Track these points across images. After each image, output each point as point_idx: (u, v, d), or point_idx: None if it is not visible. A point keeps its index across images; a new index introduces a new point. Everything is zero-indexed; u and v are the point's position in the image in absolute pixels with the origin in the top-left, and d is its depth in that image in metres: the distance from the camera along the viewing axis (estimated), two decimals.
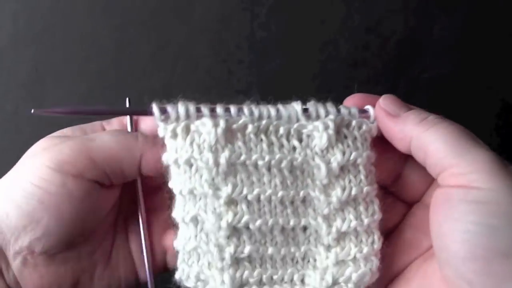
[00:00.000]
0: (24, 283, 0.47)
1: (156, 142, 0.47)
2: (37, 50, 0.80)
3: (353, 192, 0.46)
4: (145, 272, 0.52)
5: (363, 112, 0.47)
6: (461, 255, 0.40)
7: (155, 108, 0.45)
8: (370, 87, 0.84)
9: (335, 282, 0.47)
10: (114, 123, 0.53)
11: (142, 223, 0.51)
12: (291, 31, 0.80)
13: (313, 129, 0.46)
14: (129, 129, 0.51)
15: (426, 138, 0.43)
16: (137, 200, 0.52)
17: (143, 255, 0.52)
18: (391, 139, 0.46)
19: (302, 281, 0.48)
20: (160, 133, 0.46)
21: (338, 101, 0.49)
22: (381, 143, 0.47)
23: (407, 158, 0.48)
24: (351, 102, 0.49)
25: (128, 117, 0.51)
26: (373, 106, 0.48)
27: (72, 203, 0.46)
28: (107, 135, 0.48)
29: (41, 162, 0.46)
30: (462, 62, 0.82)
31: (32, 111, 0.45)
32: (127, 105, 0.51)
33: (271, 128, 0.45)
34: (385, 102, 0.46)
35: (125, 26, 0.80)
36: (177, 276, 0.48)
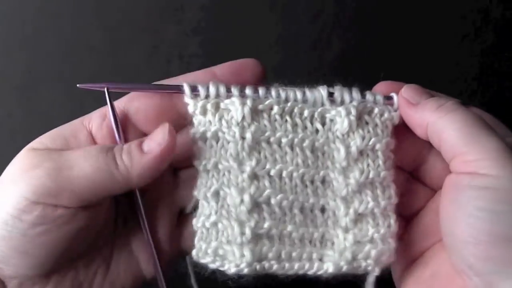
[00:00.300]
0: None
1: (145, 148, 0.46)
2: (29, 53, 0.80)
3: (371, 175, 0.48)
4: (151, 268, 0.51)
5: (388, 98, 0.49)
6: (464, 239, 0.41)
7: (185, 86, 0.47)
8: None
9: (354, 257, 0.48)
10: (95, 119, 0.49)
11: (144, 227, 0.50)
12: (285, 29, 0.80)
13: (336, 114, 0.48)
14: (116, 137, 0.48)
15: (440, 124, 0.44)
16: (135, 206, 0.50)
17: (153, 257, 0.50)
18: (411, 126, 0.47)
19: (321, 260, 0.49)
20: (190, 109, 0.48)
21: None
22: (407, 129, 0.48)
23: (432, 145, 0.48)
24: (379, 89, 0.50)
25: (113, 123, 0.48)
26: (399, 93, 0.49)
27: (57, 230, 0.44)
28: (85, 162, 0.45)
29: (20, 194, 0.44)
30: None
31: (78, 85, 0.45)
32: (107, 98, 0.48)
33: (296, 110, 0.48)
34: (406, 91, 0.48)
35: (117, 27, 0.80)
36: (193, 253, 0.48)
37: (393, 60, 0.79)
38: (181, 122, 0.49)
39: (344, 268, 0.48)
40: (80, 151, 0.46)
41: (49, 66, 0.78)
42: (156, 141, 0.46)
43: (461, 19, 0.81)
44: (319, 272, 0.48)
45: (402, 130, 0.49)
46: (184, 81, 0.48)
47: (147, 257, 0.51)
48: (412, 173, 0.52)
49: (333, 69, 0.79)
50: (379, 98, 0.48)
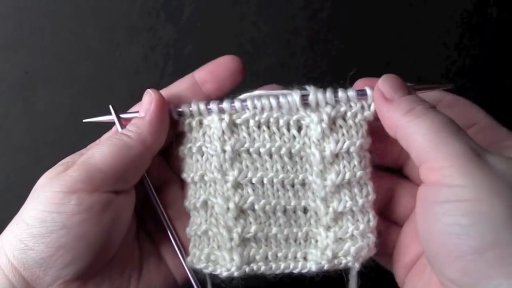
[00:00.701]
0: None
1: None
2: (27, 53, 0.80)
3: (347, 176, 0.49)
4: (181, 271, 0.53)
5: (362, 93, 0.49)
6: (440, 257, 0.41)
7: (171, 107, 0.52)
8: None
9: (334, 256, 0.50)
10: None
11: (166, 222, 0.53)
12: (281, 29, 0.80)
13: (310, 121, 0.50)
14: (119, 129, 0.52)
15: (408, 130, 0.44)
16: (151, 199, 0.53)
17: (178, 255, 0.53)
18: (382, 123, 0.47)
19: (305, 258, 0.51)
20: (180, 128, 0.52)
21: None
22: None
23: None
24: (359, 87, 0.50)
25: (115, 119, 0.52)
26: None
27: (93, 218, 0.46)
28: (102, 146, 0.49)
29: (52, 190, 0.46)
30: None
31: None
32: (112, 112, 0.53)
33: (271, 120, 0.51)
34: (383, 83, 0.47)
35: (114, 28, 0.80)
36: (188, 259, 0.52)
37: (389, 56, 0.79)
38: None
39: (326, 266, 0.50)
40: (95, 145, 0.50)
41: (47, 66, 0.79)
42: (146, 102, 0.50)
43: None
44: (303, 271, 0.51)
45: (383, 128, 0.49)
46: (168, 93, 0.52)
47: (176, 262, 0.53)
48: (401, 172, 0.52)
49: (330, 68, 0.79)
50: (352, 94, 0.49)
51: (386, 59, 0.80)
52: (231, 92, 0.54)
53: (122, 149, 0.48)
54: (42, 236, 0.45)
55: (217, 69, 0.52)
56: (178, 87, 0.53)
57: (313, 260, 0.50)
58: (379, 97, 0.47)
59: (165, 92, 0.52)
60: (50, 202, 0.45)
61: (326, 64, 0.80)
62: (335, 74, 0.82)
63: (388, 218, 0.53)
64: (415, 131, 0.43)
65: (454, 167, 0.40)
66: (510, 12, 0.80)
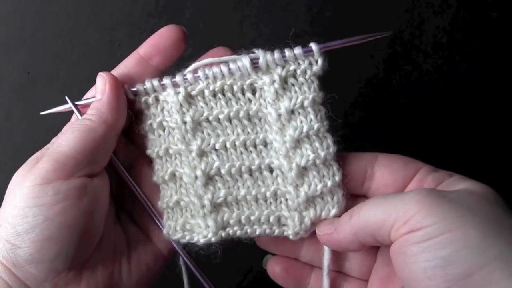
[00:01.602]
0: None
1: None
2: (28, 54, 0.80)
3: (305, 129, 0.51)
4: (167, 244, 0.55)
5: (307, 50, 0.51)
6: None
7: (126, 87, 0.53)
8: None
9: (313, 223, 0.52)
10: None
11: (140, 197, 0.54)
12: (282, 31, 0.81)
13: (262, 84, 0.52)
14: (79, 117, 0.53)
15: (363, 222, 0.47)
16: (123, 179, 0.54)
17: (159, 226, 0.54)
18: (347, 249, 0.50)
19: (279, 221, 0.52)
20: (137, 106, 0.53)
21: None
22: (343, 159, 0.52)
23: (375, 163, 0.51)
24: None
25: (73, 107, 0.53)
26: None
27: (73, 205, 0.46)
28: (66, 133, 0.50)
29: (28, 185, 0.46)
30: None
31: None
32: (68, 101, 0.54)
33: (225, 87, 0.52)
34: (321, 229, 0.51)
35: (115, 28, 0.80)
36: (164, 232, 0.54)
37: None
38: None
39: (304, 235, 0.52)
40: (59, 136, 0.51)
41: (47, 67, 0.79)
42: (100, 84, 0.51)
43: None
44: (280, 236, 0.52)
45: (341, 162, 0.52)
46: (118, 74, 0.53)
47: (160, 235, 0.55)
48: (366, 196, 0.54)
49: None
50: (299, 51, 0.51)
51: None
52: (179, 61, 0.55)
53: (87, 133, 0.49)
54: (27, 232, 0.45)
55: (160, 41, 0.53)
56: (126, 67, 0.54)
57: (291, 231, 0.52)
58: (326, 239, 0.50)
59: (115, 73, 0.53)
60: (28, 197, 0.46)
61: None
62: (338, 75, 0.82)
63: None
64: (366, 219, 0.46)
65: (418, 213, 0.42)
66: None
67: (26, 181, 0.46)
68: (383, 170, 0.51)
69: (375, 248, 0.53)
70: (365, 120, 0.86)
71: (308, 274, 0.55)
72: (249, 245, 0.55)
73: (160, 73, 0.54)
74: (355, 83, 0.85)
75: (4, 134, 0.78)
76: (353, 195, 0.52)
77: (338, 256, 0.54)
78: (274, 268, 0.55)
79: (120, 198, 0.56)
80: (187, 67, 0.53)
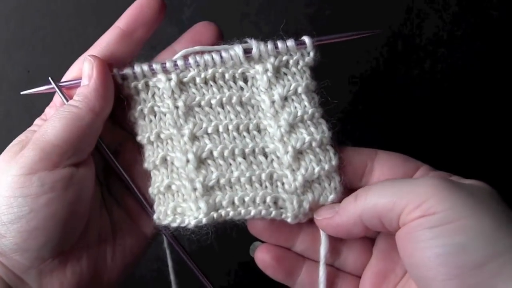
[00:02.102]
0: None
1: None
2: (28, 53, 0.80)
3: (299, 113, 0.52)
4: (152, 228, 0.54)
5: (300, 43, 0.52)
6: (439, 279, 0.41)
7: (115, 71, 0.52)
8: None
9: (311, 208, 0.51)
10: (49, 111, 0.53)
11: (127, 182, 0.54)
12: (283, 30, 0.81)
13: (255, 73, 0.52)
14: (63, 100, 0.51)
15: (370, 204, 0.46)
16: (110, 163, 0.53)
17: (146, 209, 0.53)
18: (349, 233, 0.48)
19: (276, 203, 0.51)
20: (125, 92, 0.53)
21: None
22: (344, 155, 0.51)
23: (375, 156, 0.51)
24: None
25: (58, 91, 0.52)
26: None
27: (59, 196, 0.46)
28: (52, 121, 0.48)
29: (13, 175, 0.46)
30: None
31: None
32: (52, 83, 0.52)
33: (217, 75, 0.52)
34: (320, 213, 0.50)
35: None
36: (155, 217, 0.53)
37: None
38: None
39: (303, 219, 0.51)
40: (45, 122, 0.49)
41: (48, 66, 0.79)
42: (87, 69, 0.50)
43: None
44: (278, 219, 0.51)
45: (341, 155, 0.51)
46: (101, 54, 0.51)
47: (145, 219, 0.54)
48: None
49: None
50: (291, 44, 0.52)
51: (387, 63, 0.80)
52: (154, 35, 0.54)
53: (73, 121, 0.48)
54: (12, 222, 0.45)
55: (140, 13, 0.51)
56: (108, 44, 0.51)
57: (290, 213, 0.51)
58: (326, 223, 0.49)
59: (97, 51, 0.51)
60: (13, 187, 0.45)
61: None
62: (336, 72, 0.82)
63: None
64: (376, 200, 0.45)
65: (431, 199, 0.42)
66: None
67: (11, 169, 0.46)
68: (382, 166, 0.50)
69: (370, 243, 0.53)
70: (365, 117, 0.86)
71: (300, 266, 0.53)
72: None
73: (142, 47, 0.53)
74: (355, 80, 0.85)
75: (4, 132, 0.78)
76: (350, 189, 0.52)
77: (331, 250, 0.52)
78: (263, 257, 0.52)
79: (106, 181, 0.55)
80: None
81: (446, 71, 0.86)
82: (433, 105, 0.86)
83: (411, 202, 0.42)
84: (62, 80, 0.53)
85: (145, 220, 0.54)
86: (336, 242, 0.52)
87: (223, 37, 0.53)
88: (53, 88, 0.52)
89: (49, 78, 0.52)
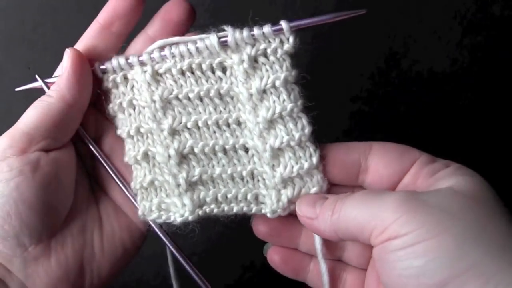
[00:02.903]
0: (35, 287, 0.49)
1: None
2: (28, 49, 0.80)
3: (277, 110, 0.50)
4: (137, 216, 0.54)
5: (278, 28, 0.49)
6: None
7: (96, 65, 0.52)
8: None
9: (290, 202, 0.51)
10: None
11: (113, 173, 0.54)
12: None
13: (232, 62, 0.50)
14: (46, 90, 0.52)
15: (343, 224, 0.46)
16: (94, 153, 0.54)
17: (133, 202, 0.53)
18: (330, 238, 0.49)
19: (256, 199, 0.52)
20: (104, 85, 0.52)
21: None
22: (336, 152, 0.50)
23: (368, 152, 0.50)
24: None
25: (43, 84, 0.53)
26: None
27: (27, 179, 0.47)
28: (28, 110, 0.50)
29: None
30: None
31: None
32: (38, 79, 0.53)
33: (194, 66, 0.51)
34: (301, 209, 0.50)
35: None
36: (139, 213, 0.53)
37: None
38: None
39: (282, 213, 0.51)
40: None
41: (48, 62, 0.79)
42: (64, 61, 0.51)
43: None
44: (258, 213, 0.52)
45: (333, 155, 0.50)
46: (82, 48, 0.52)
47: (134, 209, 0.54)
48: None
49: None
50: (268, 30, 0.49)
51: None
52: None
53: (44, 110, 0.49)
54: None
55: (118, 6, 0.51)
56: (89, 38, 0.52)
57: (268, 208, 0.51)
58: (307, 223, 0.49)
59: (79, 46, 0.52)
60: None
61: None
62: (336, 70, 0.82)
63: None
64: (349, 219, 0.45)
65: (396, 221, 0.42)
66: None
67: None
68: (377, 162, 0.49)
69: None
70: (367, 113, 0.87)
71: (308, 263, 0.55)
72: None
73: (124, 41, 0.53)
74: (357, 77, 0.85)
75: (5, 129, 0.78)
76: (349, 186, 0.51)
77: (336, 245, 0.53)
78: (273, 258, 0.55)
79: (93, 171, 0.56)
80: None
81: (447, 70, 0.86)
82: (434, 103, 0.87)
83: (377, 227, 0.43)
84: (54, 75, 0.54)
85: (135, 212, 0.54)
86: None
87: (195, 13, 0.52)
88: (41, 85, 0.53)
89: (36, 75, 0.53)
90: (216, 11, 0.81)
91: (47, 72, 0.54)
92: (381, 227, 0.43)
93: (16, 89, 0.54)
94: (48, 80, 0.53)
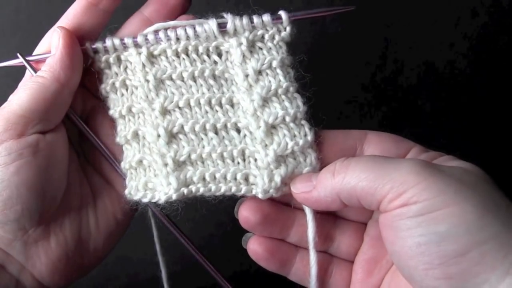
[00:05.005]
0: (35, 268, 0.49)
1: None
2: (23, 38, 0.80)
3: (273, 87, 0.50)
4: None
5: (276, 17, 0.51)
6: (421, 268, 0.41)
7: (87, 45, 0.52)
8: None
9: (283, 182, 0.50)
10: None
11: (103, 151, 0.54)
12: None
13: (229, 46, 0.51)
14: (32, 73, 0.51)
15: (349, 185, 0.44)
16: (84, 133, 0.53)
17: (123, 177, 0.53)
18: (329, 207, 0.47)
19: (247, 180, 0.50)
20: (96, 66, 0.52)
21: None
22: (329, 144, 0.50)
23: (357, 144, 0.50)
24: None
25: (26, 64, 0.52)
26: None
27: (27, 163, 0.47)
28: (19, 91, 0.49)
29: None
30: None
31: None
32: (20, 58, 0.52)
33: (190, 48, 0.51)
34: (296, 187, 0.49)
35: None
36: (126, 192, 0.52)
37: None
38: None
39: (274, 194, 0.50)
40: (12, 94, 0.50)
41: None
42: (54, 40, 0.50)
43: None
44: (248, 195, 0.50)
45: (329, 139, 0.50)
46: (70, 26, 0.51)
47: (122, 181, 0.53)
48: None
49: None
50: (267, 18, 0.51)
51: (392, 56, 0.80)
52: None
53: (38, 91, 0.48)
54: None
55: None
56: (75, 16, 0.51)
57: (260, 188, 0.50)
58: (304, 198, 0.48)
59: (66, 23, 0.51)
60: None
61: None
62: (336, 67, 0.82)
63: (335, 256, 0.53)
64: (356, 182, 0.43)
65: (412, 189, 0.41)
66: None
67: None
68: (372, 148, 0.49)
69: (363, 229, 0.52)
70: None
71: (294, 255, 0.52)
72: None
73: (109, 18, 0.52)
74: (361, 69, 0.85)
75: None
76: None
77: (325, 237, 0.52)
78: (256, 249, 0.52)
79: (82, 148, 0.56)
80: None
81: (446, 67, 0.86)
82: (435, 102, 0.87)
83: (393, 190, 0.41)
84: (33, 54, 0.53)
85: (124, 186, 0.53)
86: (329, 229, 0.52)
87: None
88: (22, 62, 0.52)
89: (18, 53, 0.52)
90: None
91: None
92: (399, 190, 0.41)
93: None
94: (29, 58, 0.52)
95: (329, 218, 0.52)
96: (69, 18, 0.51)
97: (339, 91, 0.84)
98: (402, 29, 0.85)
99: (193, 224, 0.71)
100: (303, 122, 0.50)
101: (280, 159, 0.50)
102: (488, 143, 0.85)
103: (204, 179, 0.50)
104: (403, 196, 0.41)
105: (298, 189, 0.48)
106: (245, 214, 0.51)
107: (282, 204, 0.52)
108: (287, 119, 0.50)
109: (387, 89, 0.86)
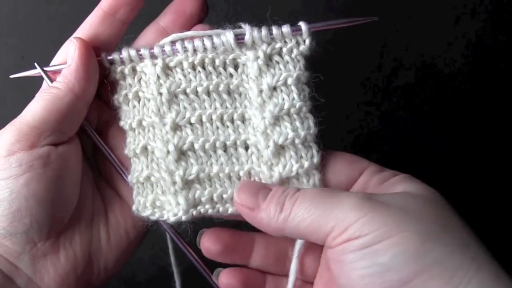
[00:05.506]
0: (43, 282, 0.48)
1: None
2: (22, 39, 0.79)
3: (286, 106, 0.49)
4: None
5: (296, 29, 0.50)
6: None
7: (103, 55, 0.51)
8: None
9: None
10: None
11: (116, 165, 0.53)
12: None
13: (246, 59, 0.50)
14: (48, 83, 0.51)
15: (294, 223, 0.44)
16: (97, 145, 0.53)
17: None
18: (270, 233, 0.47)
19: None
20: (111, 76, 0.52)
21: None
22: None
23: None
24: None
25: (42, 73, 0.51)
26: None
27: (38, 175, 0.46)
28: (33, 102, 0.49)
29: None
30: None
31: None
32: (37, 67, 0.51)
33: (207, 60, 0.50)
34: (240, 197, 0.47)
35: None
36: (134, 208, 0.52)
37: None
38: None
39: None
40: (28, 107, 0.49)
41: (42, 52, 0.78)
42: (71, 50, 0.49)
43: None
44: None
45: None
46: (86, 36, 0.50)
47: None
48: None
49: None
50: (287, 30, 0.49)
51: (393, 54, 0.80)
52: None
53: (52, 102, 0.48)
54: None
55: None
56: (92, 26, 0.51)
57: None
58: (246, 213, 0.47)
59: (82, 34, 0.51)
60: None
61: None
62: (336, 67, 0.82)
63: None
64: (300, 220, 0.44)
65: (356, 223, 0.41)
66: None
67: None
68: (327, 170, 0.49)
69: (319, 251, 0.52)
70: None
71: (263, 281, 0.53)
72: None
73: (126, 29, 0.51)
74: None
75: None
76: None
77: (281, 260, 0.52)
78: (230, 283, 0.52)
79: (96, 162, 0.55)
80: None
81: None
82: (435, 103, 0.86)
83: (335, 228, 0.42)
84: (51, 64, 0.52)
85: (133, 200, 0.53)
86: (288, 251, 0.52)
87: (208, 8, 0.52)
88: (39, 72, 0.51)
89: (35, 63, 0.51)
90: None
91: (41, 61, 0.54)
92: (341, 227, 0.41)
93: (11, 76, 0.53)
94: (47, 69, 0.52)
95: (287, 240, 0.51)
96: (86, 28, 0.51)
97: (339, 90, 0.84)
98: (402, 28, 0.85)
99: None
100: (311, 144, 0.50)
101: (285, 180, 0.50)
102: (488, 143, 0.85)
103: (212, 199, 0.50)
104: (346, 233, 0.41)
105: (242, 201, 0.47)
106: (207, 245, 0.51)
107: (240, 231, 0.52)
108: (297, 141, 0.49)
109: (385, 88, 0.86)
